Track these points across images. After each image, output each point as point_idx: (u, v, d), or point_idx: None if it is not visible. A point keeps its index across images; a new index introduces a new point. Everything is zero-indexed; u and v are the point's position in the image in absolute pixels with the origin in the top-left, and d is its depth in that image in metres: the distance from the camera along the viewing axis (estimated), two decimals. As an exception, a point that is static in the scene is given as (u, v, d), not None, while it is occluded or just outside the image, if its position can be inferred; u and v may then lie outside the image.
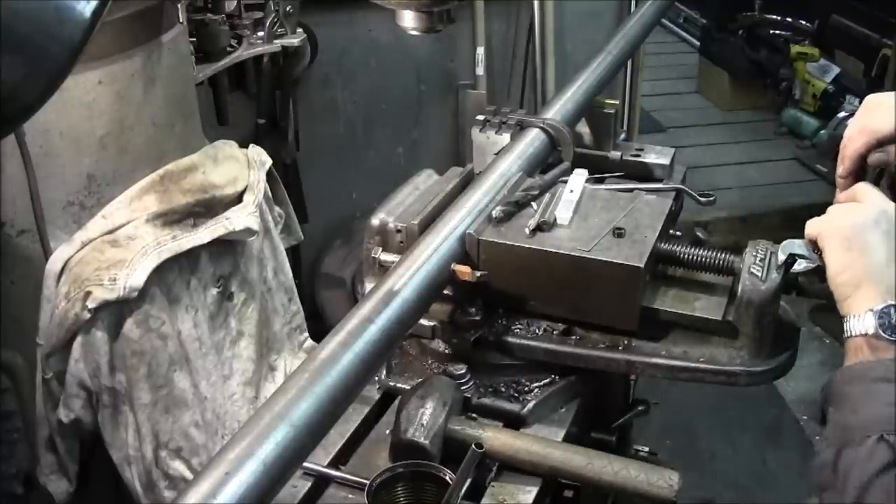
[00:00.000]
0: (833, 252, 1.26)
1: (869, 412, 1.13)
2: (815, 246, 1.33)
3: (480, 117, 1.90)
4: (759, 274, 1.40)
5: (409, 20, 1.56)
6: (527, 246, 1.46)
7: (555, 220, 1.51)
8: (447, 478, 1.24)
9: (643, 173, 1.89)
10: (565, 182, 1.63)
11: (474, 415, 1.40)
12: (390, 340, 1.27)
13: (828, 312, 1.27)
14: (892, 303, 1.19)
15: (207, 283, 2.15)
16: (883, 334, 1.18)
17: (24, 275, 1.96)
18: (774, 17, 5.75)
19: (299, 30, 3.10)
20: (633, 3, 3.74)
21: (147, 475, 2.03)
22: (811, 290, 1.42)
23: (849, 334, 1.21)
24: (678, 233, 1.68)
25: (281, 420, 1.07)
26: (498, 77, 3.73)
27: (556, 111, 1.89)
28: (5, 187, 1.88)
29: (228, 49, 2.86)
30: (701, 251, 1.50)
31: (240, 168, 2.22)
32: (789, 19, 5.70)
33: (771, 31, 5.68)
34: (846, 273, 1.24)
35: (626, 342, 1.46)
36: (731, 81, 5.96)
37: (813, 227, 1.32)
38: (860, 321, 1.20)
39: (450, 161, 2.63)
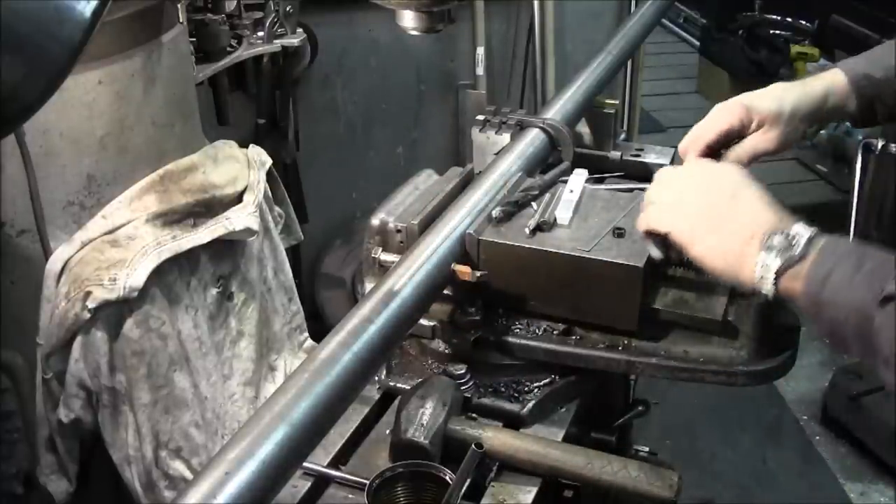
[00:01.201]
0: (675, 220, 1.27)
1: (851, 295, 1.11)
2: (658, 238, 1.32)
3: (480, 117, 1.90)
4: (759, 274, 1.40)
5: (409, 20, 1.56)
6: (527, 246, 1.46)
7: (555, 220, 1.51)
8: (447, 478, 1.24)
9: (643, 173, 1.90)
10: (565, 182, 1.63)
11: (474, 415, 1.40)
12: (390, 340, 1.27)
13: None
14: (768, 231, 1.18)
15: (207, 283, 2.15)
16: (788, 258, 1.15)
17: (24, 275, 1.96)
18: (774, 17, 5.75)
19: (299, 30, 3.10)
20: (633, 3, 3.74)
21: (147, 475, 2.03)
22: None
23: (771, 293, 1.17)
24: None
25: (281, 420, 1.07)
26: (498, 77, 3.73)
27: (556, 111, 1.89)
28: (5, 187, 1.88)
29: (228, 49, 2.86)
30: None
31: (240, 168, 2.22)
32: (789, 19, 5.70)
33: (771, 31, 5.68)
34: (703, 242, 1.24)
35: (626, 342, 1.46)
36: (731, 81, 5.95)
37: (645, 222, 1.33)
38: (761, 268, 1.17)
39: (450, 161, 2.63)
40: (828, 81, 1.60)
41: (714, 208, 1.26)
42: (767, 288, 1.17)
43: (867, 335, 1.09)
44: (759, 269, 1.18)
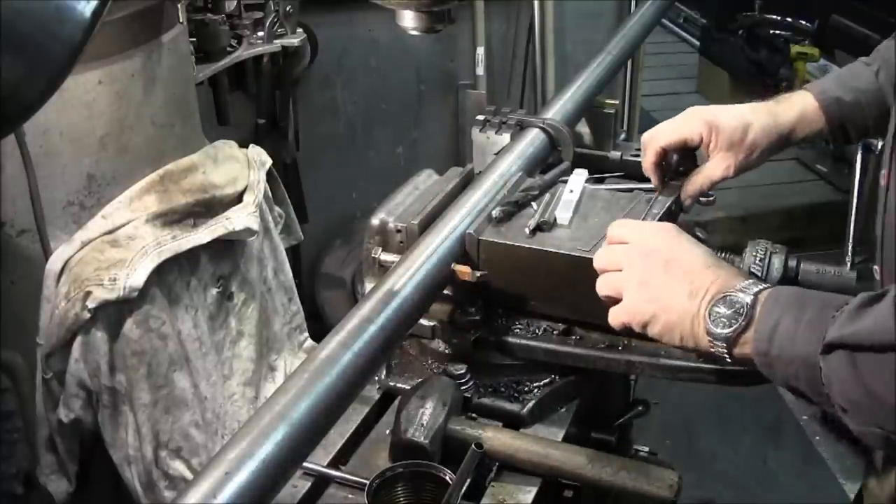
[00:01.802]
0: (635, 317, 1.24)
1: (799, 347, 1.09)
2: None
3: (480, 117, 1.90)
4: (759, 274, 1.40)
5: (409, 20, 1.56)
6: (527, 246, 1.46)
7: (555, 220, 1.51)
8: (447, 478, 1.24)
9: (643, 173, 1.89)
10: (565, 182, 1.63)
11: (474, 415, 1.40)
12: (390, 340, 1.27)
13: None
14: (710, 302, 1.16)
15: (207, 283, 2.15)
16: (735, 328, 1.14)
17: (24, 275, 1.96)
18: (774, 17, 5.74)
19: (299, 30, 3.10)
20: (633, 3, 3.74)
21: (147, 475, 2.03)
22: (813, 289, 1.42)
23: (728, 359, 1.16)
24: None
25: (281, 420, 1.07)
26: (498, 77, 3.73)
27: (556, 111, 1.89)
28: (5, 187, 1.88)
29: (228, 49, 2.86)
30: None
31: (240, 168, 2.22)
32: (789, 19, 5.69)
33: (771, 31, 5.67)
34: (654, 326, 1.22)
35: (626, 342, 1.46)
36: (731, 81, 5.95)
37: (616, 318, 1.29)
38: (713, 342, 1.15)
39: (450, 161, 2.64)
40: (798, 110, 1.60)
41: (652, 290, 1.23)
42: (726, 357, 1.17)
43: (817, 385, 1.07)
44: (711, 343, 1.16)
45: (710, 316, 1.16)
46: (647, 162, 1.65)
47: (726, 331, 1.14)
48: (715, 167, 1.60)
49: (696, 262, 1.22)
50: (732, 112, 1.60)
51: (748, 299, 1.14)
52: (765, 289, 1.15)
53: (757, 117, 1.59)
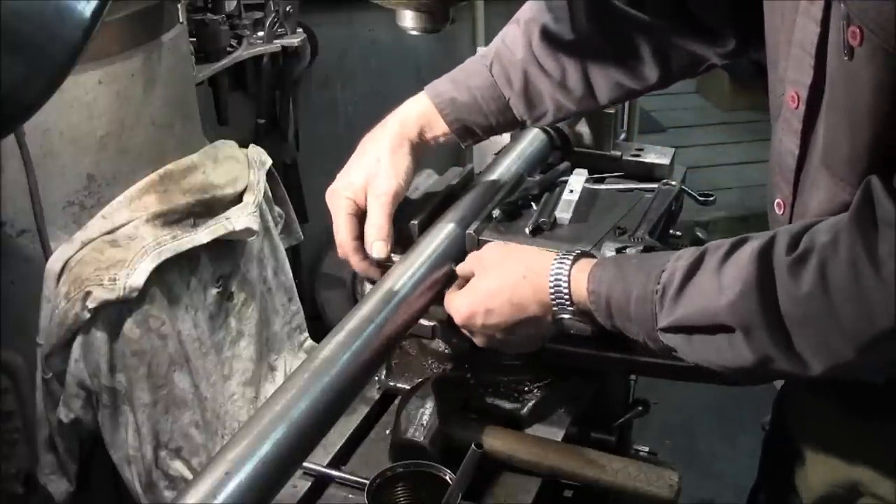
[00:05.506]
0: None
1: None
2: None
3: (480, 117, 1.89)
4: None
5: (409, 20, 1.55)
6: (527, 246, 1.46)
7: (555, 220, 1.51)
8: (447, 478, 1.24)
9: (643, 173, 1.89)
10: (565, 182, 1.63)
11: (474, 415, 1.40)
12: (390, 340, 1.27)
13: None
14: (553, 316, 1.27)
15: (207, 284, 2.15)
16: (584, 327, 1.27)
17: (24, 275, 1.96)
18: (774, 17, 5.73)
19: (299, 30, 3.10)
20: (633, 3, 3.74)
21: (147, 475, 2.03)
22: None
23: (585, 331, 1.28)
24: (678, 233, 1.68)
25: (281, 420, 1.07)
26: (498, 77, 3.72)
27: (556, 111, 1.88)
28: (5, 187, 1.88)
29: (228, 49, 2.86)
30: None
31: (240, 168, 2.22)
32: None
33: (771, 31, 5.67)
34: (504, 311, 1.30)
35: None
36: (731, 81, 5.95)
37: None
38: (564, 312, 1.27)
39: (450, 161, 2.63)
40: (417, 115, 1.63)
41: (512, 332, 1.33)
42: (583, 330, 1.29)
43: (666, 351, 1.20)
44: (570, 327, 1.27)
45: (562, 322, 1.29)
46: (387, 227, 1.48)
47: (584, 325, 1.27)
48: (377, 205, 1.53)
49: (531, 284, 1.30)
50: (353, 174, 1.67)
51: (570, 310, 1.26)
52: (575, 261, 1.25)
53: (381, 163, 1.62)
